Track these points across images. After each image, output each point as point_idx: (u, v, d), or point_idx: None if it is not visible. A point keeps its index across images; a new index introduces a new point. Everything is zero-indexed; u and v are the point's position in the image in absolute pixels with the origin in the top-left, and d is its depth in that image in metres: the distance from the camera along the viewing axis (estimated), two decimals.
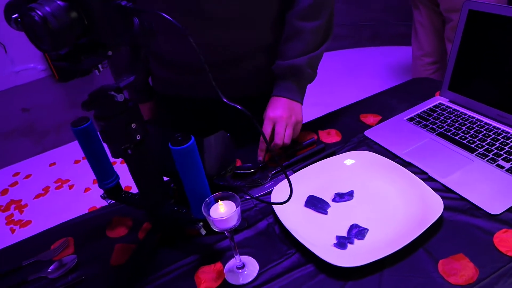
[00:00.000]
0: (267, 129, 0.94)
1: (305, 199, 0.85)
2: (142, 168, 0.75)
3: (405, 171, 0.84)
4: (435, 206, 0.75)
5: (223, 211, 0.67)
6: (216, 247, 0.80)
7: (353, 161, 0.91)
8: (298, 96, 0.96)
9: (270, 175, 0.94)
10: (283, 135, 0.94)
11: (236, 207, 0.66)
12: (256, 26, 0.95)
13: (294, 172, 0.93)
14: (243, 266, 0.74)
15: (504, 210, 0.75)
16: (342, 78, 3.09)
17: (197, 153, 0.67)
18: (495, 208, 0.75)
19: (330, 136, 1.03)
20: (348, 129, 1.05)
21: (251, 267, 0.74)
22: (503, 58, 0.92)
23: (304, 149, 1.00)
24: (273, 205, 0.83)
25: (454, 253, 0.69)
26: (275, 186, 0.87)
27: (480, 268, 0.66)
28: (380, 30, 3.32)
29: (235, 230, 0.78)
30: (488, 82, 0.96)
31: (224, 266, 0.76)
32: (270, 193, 0.86)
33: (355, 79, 3.05)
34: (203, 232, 0.74)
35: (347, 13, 3.17)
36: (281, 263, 0.74)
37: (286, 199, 0.71)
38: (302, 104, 0.97)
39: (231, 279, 0.73)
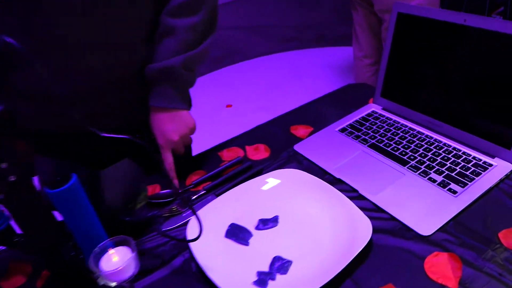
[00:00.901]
0: (168, 158, 0.86)
1: (226, 227, 0.76)
2: (25, 210, 0.63)
3: (334, 191, 0.77)
4: (364, 231, 0.68)
5: (116, 261, 0.57)
6: None
7: (279, 181, 0.83)
8: (180, 102, 0.84)
9: (191, 201, 0.85)
10: (183, 148, 0.87)
11: (132, 253, 0.56)
12: (127, 47, 0.81)
13: (217, 195, 0.84)
14: None
15: (435, 230, 0.69)
16: (288, 80, 3.04)
17: (81, 194, 0.57)
18: (426, 228, 0.69)
19: (258, 152, 0.95)
20: (278, 143, 0.97)
21: None
22: (433, 63, 0.87)
23: (229, 169, 0.91)
24: (188, 239, 0.73)
25: (383, 283, 0.63)
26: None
27: None
28: (325, 31, 3.30)
29: (149, 271, 0.69)
30: (420, 88, 0.91)
31: None
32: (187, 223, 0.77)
33: (300, 81, 3.01)
34: (100, 282, 0.64)
35: (292, 14, 3.12)
36: None
37: (197, 235, 0.62)
38: (188, 109, 0.87)
39: None
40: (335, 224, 0.73)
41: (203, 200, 0.85)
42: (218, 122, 2.69)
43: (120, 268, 0.55)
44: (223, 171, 0.91)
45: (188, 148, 0.98)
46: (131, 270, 0.57)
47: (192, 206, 0.82)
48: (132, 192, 0.73)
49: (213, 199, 0.82)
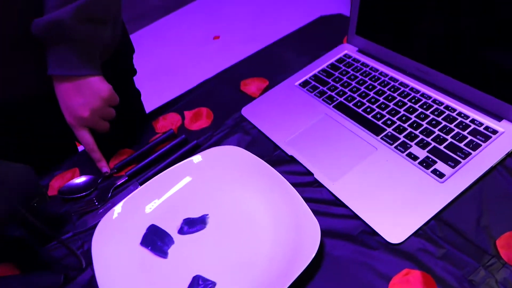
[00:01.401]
0: (84, 137, 0.67)
1: (144, 230, 0.60)
2: None
3: (279, 180, 0.58)
4: (312, 239, 0.50)
5: None
6: None
7: (211, 165, 0.64)
8: (83, 66, 0.63)
9: (110, 192, 0.68)
10: (104, 124, 0.68)
11: None
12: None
13: (141, 184, 0.67)
14: None
15: (409, 235, 0.50)
16: (281, 5, 2.70)
17: None
18: (396, 233, 0.51)
19: (198, 120, 0.75)
20: (224, 106, 0.77)
21: None
22: None
23: (158, 147, 0.72)
24: (92, 252, 0.57)
25: None
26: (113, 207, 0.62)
27: None
28: None
29: None
30: (407, 22, 0.66)
31: None
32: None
33: (294, 4, 2.67)
34: None
35: None
36: None
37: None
38: (99, 74, 0.65)
39: None
40: (276, 231, 0.55)
41: (126, 190, 0.67)
42: (205, 56, 2.44)
43: None
44: (153, 148, 0.72)
45: (129, 111, 0.78)
46: None
47: (117, 190, 0.65)
48: (17, 196, 0.56)
49: (136, 189, 0.65)
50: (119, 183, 0.68)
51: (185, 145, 0.70)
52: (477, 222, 0.50)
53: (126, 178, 0.68)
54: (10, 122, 0.77)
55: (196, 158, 0.65)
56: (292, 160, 0.63)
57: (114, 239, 0.59)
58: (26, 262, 0.62)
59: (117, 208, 0.61)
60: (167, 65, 2.47)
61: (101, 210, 0.65)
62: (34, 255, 0.62)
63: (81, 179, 0.70)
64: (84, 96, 0.64)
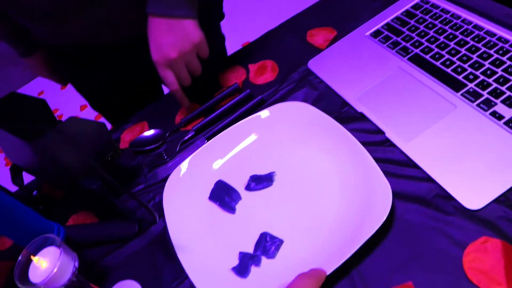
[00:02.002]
0: (169, 77, 0.67)
1: (212, 185, 0.61)
2: None
3: (349, 139, 0.56)
4: (383, 201, 0.49)
5: (47, 267, 0.45)
6: (99, 266, 0.61)
7: (275, 120, 0.63)
8: (181, 7, 0.62)
9: (178, 146, 0.69)
10: (187, 76, 0.67)
11: (59, 249, 0.45)
12: None
13: (207, 139, 0.68)
14: None
15: (489, 201, 0.48)
16: None
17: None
18: (476, 198, 0.48)
19: (263, 73, 0.73)
20: (289, 58, 0.74)
21: None
22: None
23: (223, 101, 0.72)
24: (164, 204, 0.60)
25: (399, 281, 0.46)
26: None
27: None
28: None
29: (123, 240, 0.59)
30: None
31: None
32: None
33: None
34: None
35: None
36: None
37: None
38: (194, 17, 0.64)
39: None
40: (344, 192, 0.54)
41: (193, 145, 0.69)
42: (268, 4, 2.34)
43: (53, 272, 0.44)
44: (218, 102, 0.72)
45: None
46: (69, 267, 0.46)
47: (185, 145, 0.67)
48: (92, 152, 0.60)
49: (203, 144, 0.66)
50: (186, 137, 0.69)
51: (250, 100, 0.69)
52: None
53: (193, 133, 0.69)
54: (105, 62, 0.82)
55: (264, 114, 0.64)
56: (362, 117, 0.61)
57: (184, 193, 0.61)
58: (103, 212, 0.67)
59: (185, 164, 0.63)
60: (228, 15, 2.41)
61: (170, 164, 0.68)
62: (111, 207, 0.66)
63: (150, 132, 0.72)
64: (176, 37, 0.63)
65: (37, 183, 0.75)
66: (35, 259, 0.45)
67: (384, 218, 0.47)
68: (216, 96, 0.72)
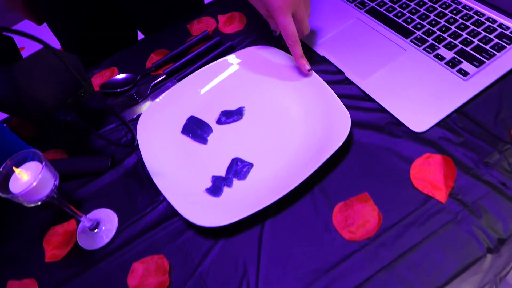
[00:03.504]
0: (290, 27, 0.59)
1: (184, 120, 0.65)
2: None
3: (312, 76, 0.62)
4: (342, 128, 0.55)
5: (27, 179, 0.47)
6: (74, 196, 0.63)
7: (244, 62, 0.68)
8: None
9: (150, 88, 0.72)
10: (308, 25, 0.63)
11: (42, 167, 0.47)
12: None
13: (178, 81, 0.71)
14: (97, 225, 0.58)
15: (432, 125, 0.55)
16: None
17: None
18: (420, 122, 0.56)
19: (231, 23, 0.77)
20: (257, 11, 0.78)
21: (109, 225, 0.59)
22: None
23: (195, 46, 0.76)
24: (137, 137, 0.63)
25: (357, 192, 0.52)
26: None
27: (386, 213, 0.50)
28: None
29: (97, 173, 0.61)
30: None
31: (79, 223, 0.60)
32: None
33: None
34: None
35: None
36: (145, 216, 0.58)
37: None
38: None
39: (84, 243, 0.58)
40: (308, 117, 0.60)
41: (164, 87, 0.72)
42: None
43: (33, 185, 0.46)
44: (189, 49, 0.76)
45: None
46: (48, 184, 0.48)
47: (156, 87, 0.70)
48: (66, 84, 0.61)
49: (174, 85, 0.69)
50: (158, 80, 0.72)
51: (220, 46, 0.73)
52: (495, 116, 0.55)
53: (165, 76, 0.73)
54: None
55: (232, 57, 0.68)
56: (324, 60, 0.67)
57: (157, 127, 0.64)
58: (76, 148, 0.69)
59: (158, 100, 0.66)
60: None
61: (142, 104, 0.70)
62: (86, 139, 0.68)
63: (121, 76, 0.74)
64: None
65: (8, 119, 0.75)
66: (17, 170, 0.47)
67: (344, 139, 0.54)
68: (187, 43, 0.76)
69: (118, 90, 0.73)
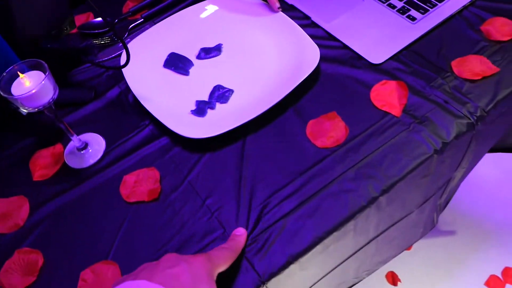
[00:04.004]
0: None
1: (165, 57, 0.70)
2: None
3: (282, 16, 0.70)
4: (311, 58, 0.63)
5: (29, 85, 0.50)
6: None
7: (219, 8, 0.74)
8: None
9: (128, 30, 0.76)
10: None
11: (45, 76, 0.50)
12: None
13: (156, 23, 0.75)
14: (85, 146, 0.61)
15: (387, 58, 0.65)
16: None
17: None
18: (377, 56, 0.65)
19: None
20: None
21: (96, 146, 0.62)
22: None
23: None
24: (123, 70, 0.67)
25: (326, 111, 0.61)
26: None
27: (351, 126, 0.59)
28: None
29: (81, 104, 0.64)
30: None
31: (65, 147, 0.63)
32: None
33: None
34: (23, 112, 0.59)
35: None
36: (132, 137, 0.62)
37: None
38: None
39: (72, 163, 0.61)
40: (281, 51, 0.67)
41: (141, 29, 0.76)
42: None
43: (33, 91, 0.49)
44: None
45: None
46: (48, 95, 0.51)
47: (121, 37, 0.73)
48: (53, 15, 0.64)
49: (151, 27, 0.73)
50: (136, 23, 0.76)
51: None
52: (438, 52, 0.65)
53: (142, 20, 0.76)
54: None
55: (206, 3, 0.74)
56: (292, 8, 0.74)
57: (139, 62, 0.68)
58: (60, 80, 0.71)
59: (139, 39, 0.70)
60: None
61: (121, 44, 0.74)
62: (67, 73, 0.70)
63: (98, 19, 0.77)
64: None
65: None
66: (21, 75, 0.50)
67: (315, 66, 0.62)
68: None
69: (97, 31, 0.75)
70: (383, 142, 0.57)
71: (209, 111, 0.62)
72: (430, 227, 0.79)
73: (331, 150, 0.57)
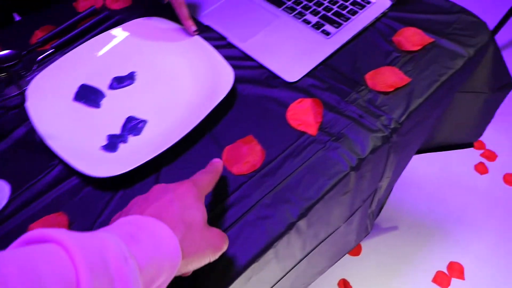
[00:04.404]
0: None
1: (76, 89, 0.66)
2: None
3: (196, 40, 0.68)
4: (226, 81, 0.62)
5: None
6: None
7: (130, 31, 0.71)
8: None
9: (37, 62, 0.71)
10: None
11: None
12: None
13: (65, 53, 0.72)
14: None
15: (302, 76, 0.64)
16: None
17: None
18: (293, 74, 0.64)
19: (118, 0, 0.80)
20: None
21: None
22: None
23: (83, 22, 0.77)
24: (27, 107, 0.63)
25: (243, 135, 0.59)
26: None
27: (268, 149, 0.57)
28: None
29: None
30: None
31: None
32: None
33: None
34: None
35: None
36: (41, 180, 0.58)
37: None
38: None
39: None
40: (195, 76, 0.65)
41: (51, 60, 0.72)
42: None
43: None
44: (76, 24, 0.76)
45: None
46: None
47: (44, 61, 0.69)
48: None
49: (57, 59, 0.69)
50: (45, 54, 0.72)
51: (109, 20, 0.75)
52: (353, 66, 0.65)
53: (53, 50, 0.72)
54: None
55: (118, 30, 0.71)
56: (208, 29, 0.73)
57: (47, 96, 0.64)
58: None
59: (47, 71, 0.66)
60: None
61: (29, 78, 0.70)
62: None
63: (3, 52, 0.72)
64: None
65: None
66: None
67: (228, 90, 0.60)
68: (74, 18, 0.76)
69: (3, 66, 0.71)
70: (299, 164, 0.55)
71: (121, 145, 0.59)
72: (364, 234, 0.78)
73: (248, 176, 0.55)
